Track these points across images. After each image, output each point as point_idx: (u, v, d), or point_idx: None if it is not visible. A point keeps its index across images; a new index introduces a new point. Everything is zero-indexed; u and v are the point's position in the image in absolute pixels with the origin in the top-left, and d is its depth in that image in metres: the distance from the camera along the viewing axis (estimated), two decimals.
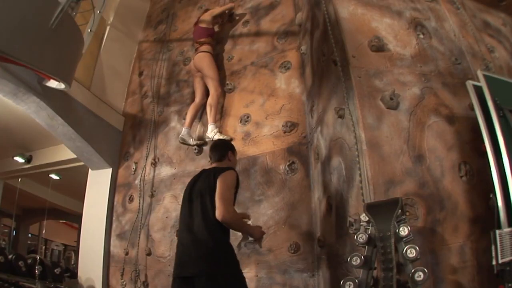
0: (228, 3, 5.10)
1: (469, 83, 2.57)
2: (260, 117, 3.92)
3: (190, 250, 2.50)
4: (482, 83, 2.49)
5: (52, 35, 2.83)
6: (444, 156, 2.49)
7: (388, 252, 1.91)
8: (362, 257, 2.00)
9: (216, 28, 4.93)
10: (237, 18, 4.88)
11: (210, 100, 4.27)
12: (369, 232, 2.06)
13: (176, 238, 4.08)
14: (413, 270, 1.79)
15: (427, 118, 2.59)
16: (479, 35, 3.46)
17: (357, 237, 2.07)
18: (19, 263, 5.49)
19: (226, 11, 4.95)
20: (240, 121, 4.06)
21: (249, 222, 3.45)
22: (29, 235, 12.15)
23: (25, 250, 10.74)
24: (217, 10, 4.85)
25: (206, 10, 4.95)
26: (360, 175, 2.39)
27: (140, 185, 4.74)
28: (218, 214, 2.45)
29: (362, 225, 2.15)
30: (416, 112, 2.59)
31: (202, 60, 4.48)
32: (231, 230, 2.63)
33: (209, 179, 2.65)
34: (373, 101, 2.58)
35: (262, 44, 4.39)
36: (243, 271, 3.29)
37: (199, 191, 2.68)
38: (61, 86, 3.40)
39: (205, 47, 4.58)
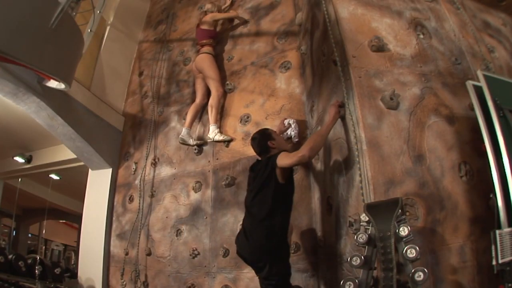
0: (228, 3, 5.10)
1: (469, 83, 2.57)
2: (260, 117, 3.92)
3: (245, 238, 2.75)
4: (482, 83, 2.49)
5: (52, 35, 2.84)
6: (444, 156, 2.49)
7: (388, 252, 1.91)
8: (362, 257, 2.00)
9: (218, 31, 4.93)
10: (238, 22, 4.88)
11: (211, 101, 4.28)
12: (369, 232, 2.06)
13: (176, 238, 4.09)
14: (413, 270, 1.79)
15: (427, 118, 2.59)
16: (479, 35, 3.46)
17: (357, 237, 2.07)
18: (19, 263, 5.49)
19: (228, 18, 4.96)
20: (240, 121, 4.06)
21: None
22: (29, 235, 12.15)
23: (25, 250, 10.74)
24: (219, 15, 4.84)
25: (205, 12, 4.95)
26: (360, 175, 2.39)
27: (140, 185, 4.74)
28: (301, 159, 2.60)
29: (362, 225, 2.15)
30: (416, 112, 2.59)
31: (203, 61, 4.49)
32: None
33: (264, 173, 2.80)
34: (373, 101, 2.58)
35: (262, 44, 4.39)
36: (242, 271, 3.32)
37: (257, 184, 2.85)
38: (61, 86, 3.40)
39: (206, 48, 4.59)
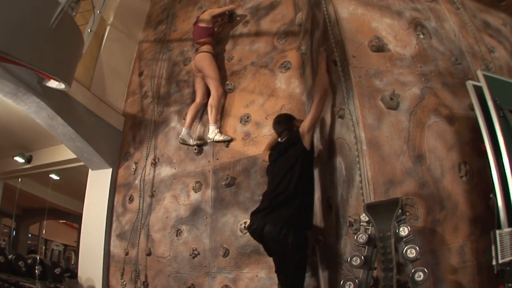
0: (228, 4, 5.10)
1: (469, 83, 2.57)
2: (260, 117, 3.92)
3: (269, 211, 2.78)
4: (482, 83, 2.49)
5: (52, 35, 2.83)
6: (444, 156, 2.49)
7: (388, 252, 1.91)
8: (362, 257, 2.01)
9: (216, 29, 4.92)
10: (238, 19, 4.88)
11: (211, 101, 4.27)
12: (369, 232, 2.07)
13: (176, 238, 4.09)
14: (413, 270, 1.79)
15: (427, 118, 2.59)
16: (479, 35, 3.46)
17: (357, 237, 2.08)
18: (19, 263, 5.48)
19: (226, 12, 4.94)
20: (240, 121, 4.06)
21: None
22: (29, 235, 12.14)
23: (25, 250, 10.73)
24: (217, 10, 4.84)
25: (206, 10, 4.95)
26: (360, 175, 2.39)
27: (140, 185, 4.74)
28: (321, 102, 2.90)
29: (362, 225, 2.15)
30: (416, 112, 2.59)
31: (203, 60, 4.47)
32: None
33: (290, 147, 2.95)
34: (373, 101, 2.58)
35: (262, 44, 4.38)
36: (242, 271, 3.31)
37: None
38: (61, 86, 3.40)
39: (205, 47, 4.57)
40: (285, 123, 3.17)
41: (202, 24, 4.69)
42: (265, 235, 2.69)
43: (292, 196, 2.71)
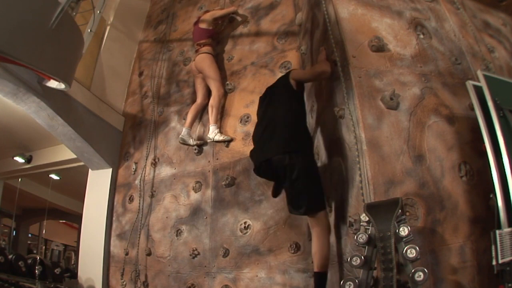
0: (228, 4, 5.09)
1: (469, 83, 2.57)
2: None
3: (267, 138, 2.85)
4: (482, 83, 2.49)
5: (52, 35, 2.83)
6: (444, 156, 2.49)
7: (388, 252, 1.91)
8: (362, 257, 2.01)
9: (217, 30, 4.91)
10: (240, 19, 4.87)
11: (212, 101, 4.27)
12: (369, 232, 2.07)
13: (176, 238, 4.09)
14: (413, 270, 1.79)
15: (427, 118, 2.59)
16: (479, 35, 3.46)
17: (357, 237, 2.07)
18: (19, 263, 5.49)
19: (229, 14, 4.92)
20: (240, 121, 4.06)
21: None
22: (29, 235, 12.14)
23: (25, 250, 10.73)
24: (218, 12, 4.80)
25: (207, 11, 4.94)
26: (360, 175, 2.39)
27: (140, 185, 4.74)
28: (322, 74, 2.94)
29: (362, 225, 2.15)
30: (416, 112, 2.59)
31: (203, 61, 4.47)
32: None
33: (279, 86, 3.09)
34: (373, 101, 2.58)
35: (262, 44, 4.38)
36: (242, 271, 3.32)
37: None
38: (61, 86, 3.40)
39: (205, 48, 4.57)
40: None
41: (202, 25, 4.67)
42: (272, 167, 2.70)
43: (279, 125, 2.78)
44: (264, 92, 3.26)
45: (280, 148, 2.68)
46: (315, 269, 2.56)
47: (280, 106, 2.89)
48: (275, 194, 2.95)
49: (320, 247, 2.56)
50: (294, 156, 2.61)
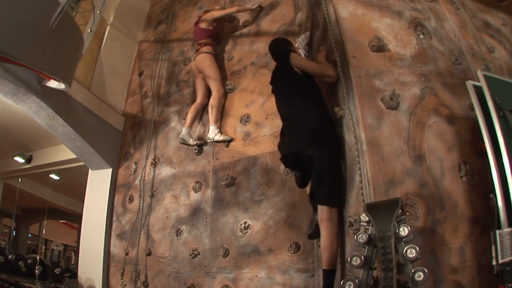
0: (228, 4, 5.09)
1: (469, 83, 2.57)
2: (260, 117, 3.92)
3: (291, 131, 2.96)
4: (482, 83, 2.49)
5: (52, 35, 2.83)
6: (444, 156, 2.49)
7: (388, 252, 1.91)
8: (362, 257, 2.01)
9: (217, 30, 4.90)
10: (240, 21, 4.86)
11: (212, 101, 4.27)
12: (369, 232, 2.07)
13: (176, 238, 4.09)
14: (413, 270, 1.79)
15: (427, 118, 2.59)
16: (479, 35, 3.46)
17: (357, 237, 2.07)
18: (19, 263, 5.49)
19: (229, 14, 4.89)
20: (240, 121, 4.06)
21: None
22: (29, 235, 12.13)
23: (25, 250, 10.73)
24: (219, 12, 4.79)
25: (207, 11, 4.93)
26: (360, 175, 2.39)
27: (140, 185, 4.74)
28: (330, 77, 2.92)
29: (362, 225, 2.15)
30: (416, 112, 2.59)
31: (203, 61, 4.47)
32: None
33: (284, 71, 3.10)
34: (373, 101, 2.58)
35: (262, 44, 4.38)
36: (242, 271, 3.31)
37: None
38: (61, 86, 3.39)
39: (206, 48, 4.56)
40: (280, 46, 3.37)
41: (203, 25, 4.67)
42: (298, 159, 2.78)
43: (297, 116, 2.84)
44: (272, 80, 3.31)
45: (305, 143, 2.73)
46: (324, 267, 2.56)
47: (296, 98, 2.94)
48: (302, 184, 3.01)
49: (329, 243, 2.55)
50: (318, 149, 2.66)
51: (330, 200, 2.61)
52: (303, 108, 2.83)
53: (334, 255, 2.55)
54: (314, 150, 2.65)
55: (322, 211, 2.63)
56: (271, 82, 3.31)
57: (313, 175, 2.74)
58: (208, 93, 4.46)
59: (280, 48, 3.34)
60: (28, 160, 7.58)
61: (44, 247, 11.92)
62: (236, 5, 4.99)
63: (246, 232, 3.56)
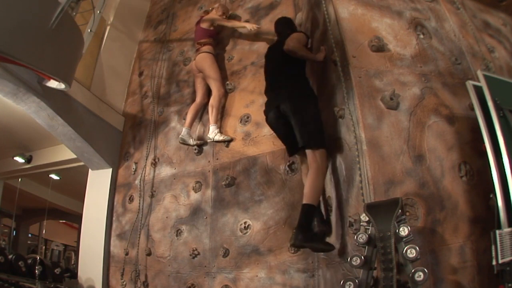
0: (229, 4, 5.08)
1: (469, 83, 2.57)
2: (260, 117, 3.90)
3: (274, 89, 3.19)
4: (482, 83, 2.49)
5: (52, 35, 2.83)
6: (444, 156, 2.49)
7: (388, 252, 1.91)
8: (362, 257, 2.01)
9: (218, 30, 4.88)
10: (240, 21, 4.84)
11: (212, 101, 4.27)
12: (369, 232, 2.07)
13: (176, 238, 4.09)
14: (413, 270, 1.79)
15: (427, 118, 2.59)
16: (479, 35, 3.46)
17: (357, 237, 2.07)
18: (19, 263, 5.49)
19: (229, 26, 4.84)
20: (240, 121, 4.06)
21: None
22: (29, 235, 12.13)
23: (25, 250, 10.73)
24: (221, 21, 4.69)
25: (206, 11, 4.93)
26: (360, 175, 2.39)
27: (140, 185, 4.74)
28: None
29: (362, 225, 2.15)
30: (416, 112, 2.59)
31: (204, 60, 4.47)
32: None
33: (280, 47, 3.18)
34: (373, 101, 2.58)
35: (262, 44, 4.38)
36: (242, 271, 3.31)
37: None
38: (61, 86, 3.39)
39: (206, 48, 4.56)
40: (285, 25, 3.59)
41: (204, 25, 4.67)
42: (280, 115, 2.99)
43: (281, 81, 3.10)
44: (269, 50, 3.54)
45: (284, 97, 2.94)
46: (304, 201, 2.62)
47: (283, 67, 3.15)
48: (290, 149, 3.12)
49: (313, 183, 2.64)
50: (295, 98, 2.89)
51: (312, 142, 2.76)
52: (287, 75, 3.08)
53: (317, 193, 2.66)
54: (292, 100, 2.88)
55: (309, 156, 2.76)
56: (267, 52, 3.53)
57: (294, 124, 2.86)
58: (208, 92, 4.46)
59: (285, 28, 3.53)
60: (28, 160, 7.58)
61: (44, 247, 11.92)
62: (236, 6, 5.00)
63: (246, 232, 3.56)
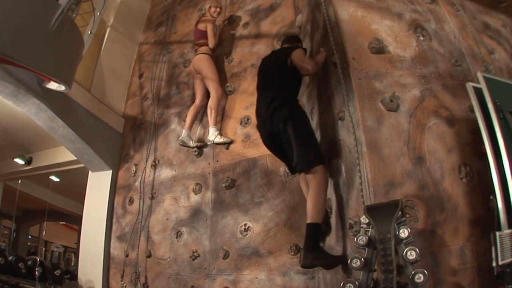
0: (228, 6, 5.09)
1: (469, 85, 2.57)
2: None
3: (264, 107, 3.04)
4: (482, 85, 2.49)
5: (52, 37, 2.83)
6: (444, 158, 2.49)
7: (388, 254, 1.91)
8: (362, 259, 2.00)
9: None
10: (240, 23, 4.85)
11: (210, 102, 4.26)
12: (369, 234, 2.06)
13: (176, 240, 4.09)
14: (413, 272, 1.79)
15: (427, 120, 2.59)
16: (479, 37, 3.46)
17: (357, 239, 2.07)
18: (19, 264, 5.49)
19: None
20: (240, 123, 4.07)
21: None
22: (29, 236, 12.12)
23: (25, 252, 10.72)
24: (209, 28, 4.63)
25: (202, 14, 4.93)
26: (360, 177, 2.39)
27: (140, 187, 4.74)
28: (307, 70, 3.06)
29: (362, 227, 2.15)
30: (416, 114, 2.59)
31: (201, 61, 4.47)
32: None
33: (279, 57, 3.20)
34: (373, 103, 2.58)
35: (262, 46, 4.39)
36: (242, 273, 3.31)
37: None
38: (61, 88, 3.39)
39: (203, 49, 4.56)
40: (292, 40, 3.49)
41: (201, 27, 4.67)
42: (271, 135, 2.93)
43: (275, 95, 2.94)
44: (263, 62, 3.41)
45: (277, 121, 2.83)
46: (308, 220, 2.58)
47: (276, 83, 3.05)
48: (291, 171, 3.07)
49: (315, 201, 2.61)
50: (287, 122, 2.77)
51: (307, 165, 2.70)
52: (281, 95, 2.94)
53: (321, 211, 2.61)
54: (285, 125, 2.77)
55: (307, 178, 2.74)
56: (261, 67, 3.41)
57: (287, 148, 2.81)
58: (207, 94, 4.46)
59: (293, 42, 3.45)
60: (28, 161, 7.58)
61: (44, 248, 11.91)
62: (236, 8, 5.00)
63: (246, 234, 3.56)
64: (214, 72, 4.40)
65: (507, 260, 1.97)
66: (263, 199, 3.58)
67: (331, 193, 2.87)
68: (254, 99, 4.03)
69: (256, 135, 3.86)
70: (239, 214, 3.68)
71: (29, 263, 5.70)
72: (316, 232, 2.58)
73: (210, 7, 4.80)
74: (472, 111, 2.53)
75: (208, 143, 4.22)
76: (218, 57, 4.75)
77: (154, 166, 4.75)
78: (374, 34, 2.91)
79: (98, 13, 4.00)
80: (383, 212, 2.05)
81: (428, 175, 2.41)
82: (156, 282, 4.11)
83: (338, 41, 2.89)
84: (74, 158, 5.36)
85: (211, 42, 4.59)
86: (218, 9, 4.80)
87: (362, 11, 3.05)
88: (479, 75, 2.56)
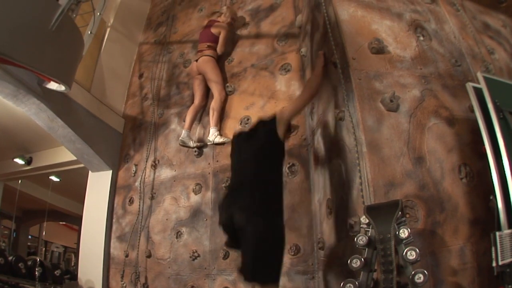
0: (229, 7, 5.09)
1: (469, 85, 2.57)
2: None
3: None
4: (482, 85, 2.49)
5: (53, 37, 2.83)
6: (444, 158, 2.49)
7: (388, 254, 1.90)
8: (362, 259, 2.00)
9: None
10: (240, 23, 4.85)
11: (213, 104, 4.27)
12: (369, 234, 2.06)
13: (176, 240, 4.09)
14: (413, 272, 1.79)
15: (427, 120, 2.59)
16: (479, 37, 3.46)
17: (357, 239, 2.07)
18: (19, 264, 5.50)
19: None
20: (240, 123, 4.06)
21: None
22: (29, 236, 12.13)
23: (25, 252, 10.73)
24: (223, 35, 4.60)
25: (213, 14, 4.92)
26: (360, 177, 2.39)
27: (140, 187, 4.74)
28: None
29: (362, 227, 2.14)
30: (416, 114, 2.59)
31: (207, 64, 4.47)
32: None
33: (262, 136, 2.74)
34: (373, 103, 2.58)
35: (262, 46, 4.39)
36: None
37: None
38: (61, 88, 3.39)
39: (209, 51, 4.55)
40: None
41: (214, 31, 4.63)
42: (234, 227, 2.41)
43: (253, 184, 2.50)
44: (239, 136, 2.98)
45: (244, 210, 2.40)
46: None
47: (256, 165, 2.60)
48: (231, 245, 2.61)
49: None
50: (254, 220, 2.34)
51: (261, 279, 2.35)
52: (254, 177, 2.54)
53: None
54: (250, 220, 2.35)
55: None
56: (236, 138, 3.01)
57: (246, 246, 2.40)
58: (206, 95, 4.47)
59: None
60: (28, 161, 7.58)
61: (44, 248, 11.94)
62: (236, 8, 5.01)
63: None
64: (219, 75, 4.42)
65: (507, 260, 1.97)
66: None
67: (331, 193, 2.87)
68: (254, 99, 4.05)
69: None
70: None
71: (29, 263, 5.71)
72: None
73: (228, 15, 4.77)
74: (472, 111, 2.53)
75: (208, 143, 4.22)
76: (218, 57, 4.74)
77: (154, 166, 4.75)
78: (374, 34, 2.91)
79: (98, 13, 4.01)
80: (383, 212, 2.05)
81: (428, 175, 2.41)
82: (156, 282, 4.11)
83: (338, 41, 2.89)
84: (74, 158, 5.36)
85: (221, 49, 4.61)
86: (233, 22, 4.81)
87: (362, 11, 3.05)
88: (479, 75, 2.56)
